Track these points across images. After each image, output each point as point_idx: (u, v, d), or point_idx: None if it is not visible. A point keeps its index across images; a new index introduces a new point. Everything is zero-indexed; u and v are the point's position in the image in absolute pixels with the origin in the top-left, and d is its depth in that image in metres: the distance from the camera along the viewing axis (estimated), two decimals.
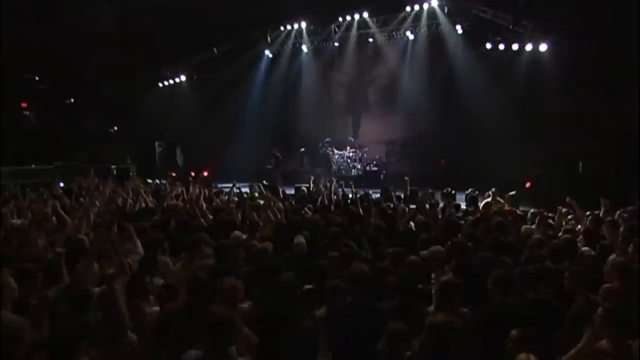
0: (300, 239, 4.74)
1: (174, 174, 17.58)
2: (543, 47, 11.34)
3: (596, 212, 6.30)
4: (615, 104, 11.01)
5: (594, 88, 11.23)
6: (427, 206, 6.49)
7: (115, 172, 13.67)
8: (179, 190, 8.34)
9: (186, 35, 15.71)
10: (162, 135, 17.41)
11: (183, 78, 16.76)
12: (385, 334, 2.51)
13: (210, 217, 6.14)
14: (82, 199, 7.17)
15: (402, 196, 9.63)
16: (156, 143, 17.17)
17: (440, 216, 6.31)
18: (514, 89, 12.68)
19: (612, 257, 4.13)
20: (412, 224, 5.91)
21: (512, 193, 9.58)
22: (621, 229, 5.60)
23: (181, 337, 2.71)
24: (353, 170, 16.19)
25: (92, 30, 15.75)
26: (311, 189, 9.96)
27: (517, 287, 3.17)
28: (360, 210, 6.05)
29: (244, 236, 4.74)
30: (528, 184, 11.28)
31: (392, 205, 6.89)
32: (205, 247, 4.26)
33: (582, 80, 11.30)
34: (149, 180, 13.52)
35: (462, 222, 5.77)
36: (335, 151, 16.63)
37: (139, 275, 3.35)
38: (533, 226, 5.24)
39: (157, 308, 3.15)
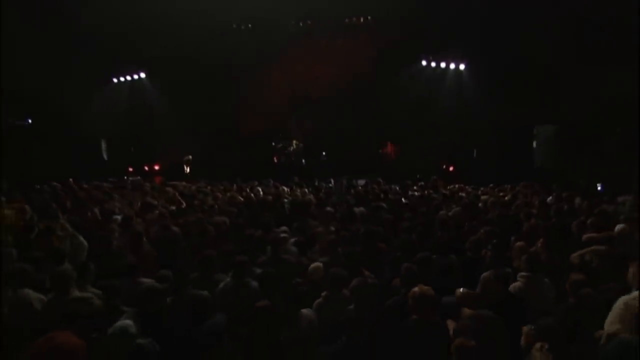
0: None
1: (131, 169, 17.91)
2: (462, 66, 14.96)
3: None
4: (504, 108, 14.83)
5: (492, 97, 14.92)
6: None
7: None
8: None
9: (141, 32, 16.02)
10: (108, 131, 17.27)
11: (143, 75, 17.09)
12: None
13: None
14: None
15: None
16: (102, 140, 17.16)
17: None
18: (442, 98, 15.86)
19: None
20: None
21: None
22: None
23: None
24: (303, 161, 18.31)
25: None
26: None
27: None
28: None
29: None
30: (451, 168, 14.87)
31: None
32: None
33: (481, 90, 14.92)
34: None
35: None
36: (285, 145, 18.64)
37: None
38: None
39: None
